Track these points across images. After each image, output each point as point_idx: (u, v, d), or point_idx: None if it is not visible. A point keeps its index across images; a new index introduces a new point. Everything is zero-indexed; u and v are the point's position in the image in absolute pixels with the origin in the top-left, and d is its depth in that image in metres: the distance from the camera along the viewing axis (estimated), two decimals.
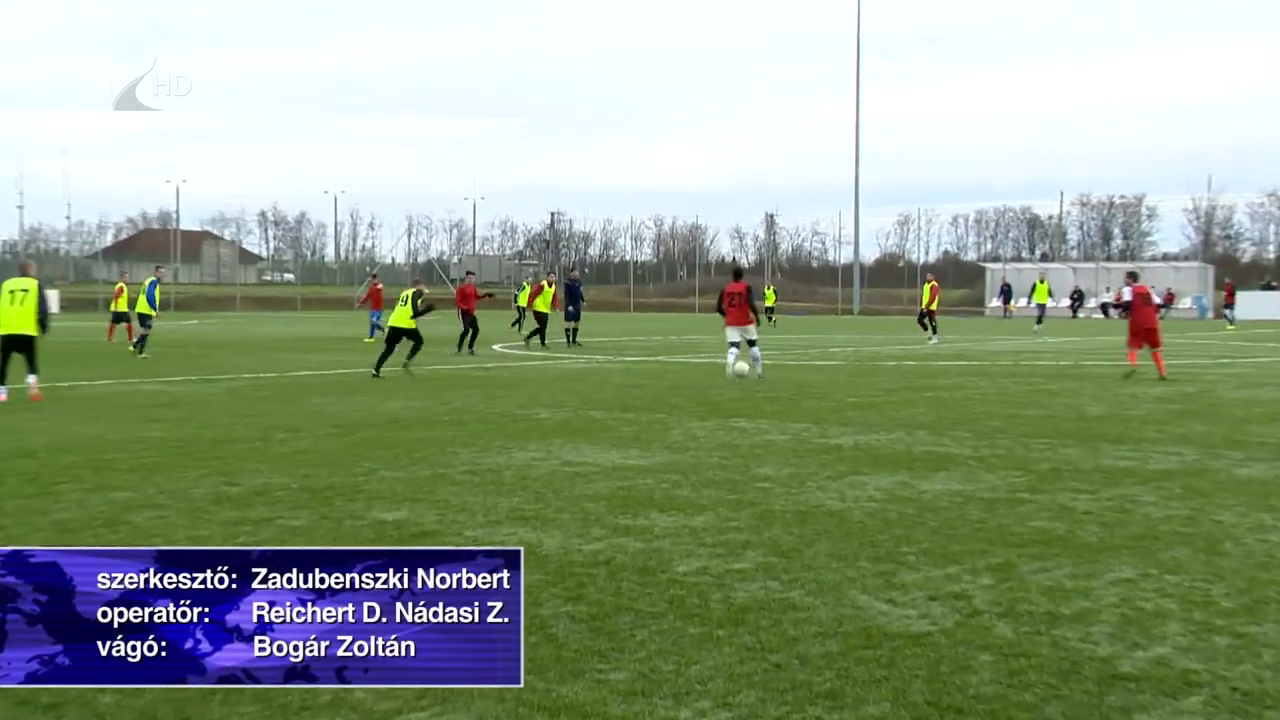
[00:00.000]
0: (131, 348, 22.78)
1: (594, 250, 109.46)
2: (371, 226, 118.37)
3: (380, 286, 30.85)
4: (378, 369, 17.57)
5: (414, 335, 18.28)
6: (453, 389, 15.62)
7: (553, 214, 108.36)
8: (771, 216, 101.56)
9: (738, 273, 18.69)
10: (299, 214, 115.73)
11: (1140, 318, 17.28)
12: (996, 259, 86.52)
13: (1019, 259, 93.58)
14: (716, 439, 10.48)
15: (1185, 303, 56.36)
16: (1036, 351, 25.14)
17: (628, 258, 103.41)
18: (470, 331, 24.47)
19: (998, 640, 4.84)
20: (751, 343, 17.79)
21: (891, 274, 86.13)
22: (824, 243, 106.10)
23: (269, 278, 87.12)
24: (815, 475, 8.50)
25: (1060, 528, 6.77)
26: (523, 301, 33.11)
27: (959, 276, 75.76)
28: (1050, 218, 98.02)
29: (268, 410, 12.79)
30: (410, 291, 18.94)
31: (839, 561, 5.98)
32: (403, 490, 7.89)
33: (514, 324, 34.39)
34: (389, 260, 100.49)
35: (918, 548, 6.28)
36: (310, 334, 29.13)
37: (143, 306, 22.44)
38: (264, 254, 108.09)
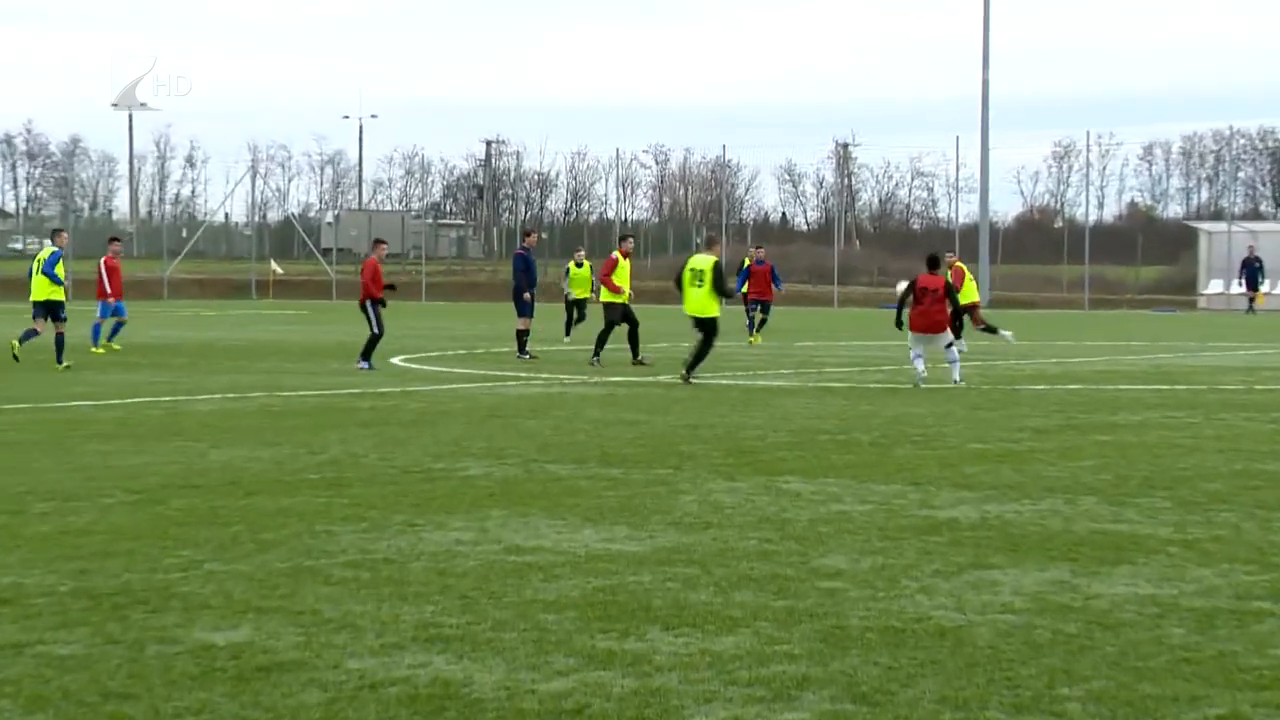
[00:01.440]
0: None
1: (557, 202, 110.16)
2: (191, 163, 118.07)
3: (117, 263, 29.44)
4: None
5: None
6: (326, 429, 15.66)
7: (489, 144, 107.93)
8: (845, 148, 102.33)
9: (934, 261, 22.06)
10: (68, 141, 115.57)
11: None
12: (1218, 215, 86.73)
13: (1256, 214, 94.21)
14: (754, 509, 10.48)
15: None
16: None
17: (611, 213, 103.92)
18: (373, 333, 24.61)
19: None
20: (948, 345, 21.35)
21: (1041, 240, 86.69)
22: (930, 190, 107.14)
23: (19, 245, 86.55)
24: (915, 569, 8.49)
25: None
26: (578, 287, 33.19)
27: (1153, 245, 76.13)
28: None
29: (21, 464, 12.80)
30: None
31: (955, 712, 5.91)
32: (244, 594, 7.85)
33: (573, 323, 33.69)
34: (222, 217, 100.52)
35: (1084, 690, 6.20)
36: (88, 335, 29.11)
37: (53, 291, 24.85)
38: (12, 207, 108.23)
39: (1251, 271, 57.86)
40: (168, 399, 19.12)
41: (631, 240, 28.87)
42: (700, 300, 21.98)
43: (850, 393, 20.29)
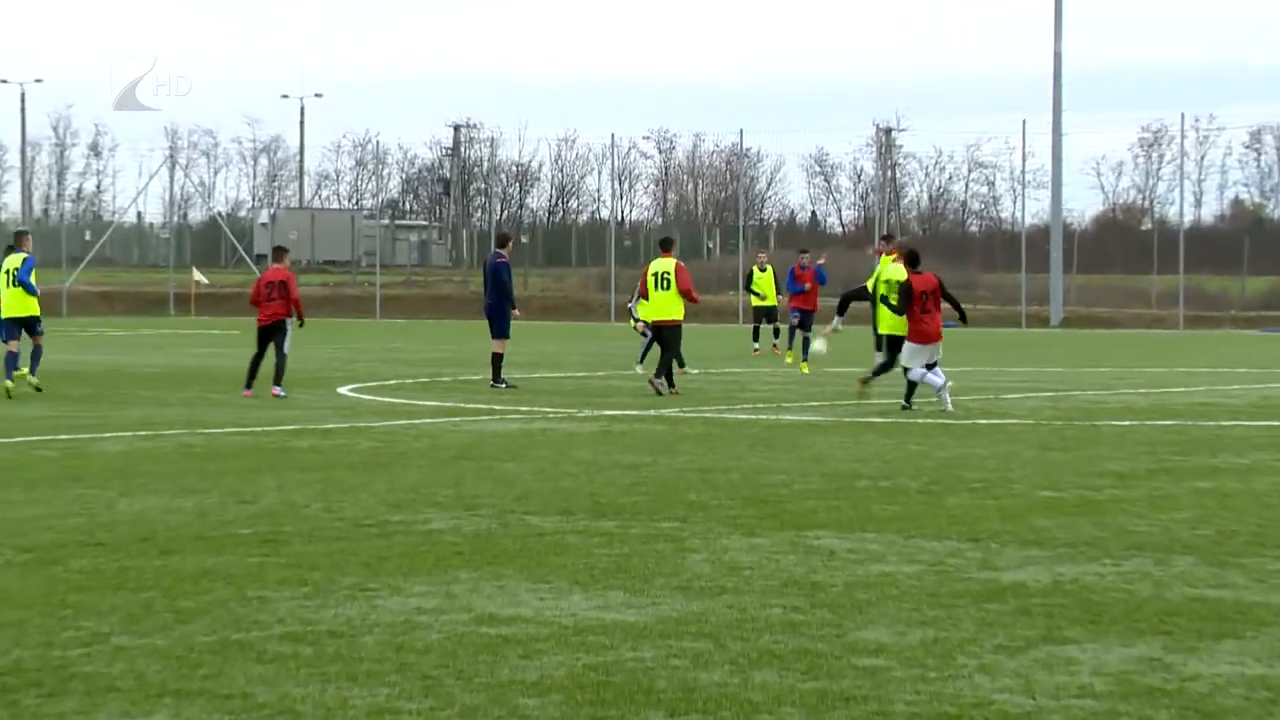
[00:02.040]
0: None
1: (539, 199, 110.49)
2: (96, 151, 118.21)
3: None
4: None
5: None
6: (260, 473, 15.69)
7: (457, 128, 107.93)
8: (888, 134, 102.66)
9: (915, 257, 23.32)
10: None
11: None
12: None
13: None
14: (779, 571, 10.51)
15: None
16: None
17: (605, 213, 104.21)
18: (277, 355, 25.26)
19: None
20: (930, 366, 22.79)
21: (1126, 245, 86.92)
22: (992, 184, 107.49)
23: None
24: (973, 644, 8.51)
25: None
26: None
27: (1262, 251, 76.34)
28: None
29: None
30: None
31: None
32: (159, 675, 7.86)
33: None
34: (134, 217, 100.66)
35: None
36: None
37: (29, 304, 25.90)
38: None
39: None
40: (65, 437, 19.13)
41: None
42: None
43: (895, 430, 20.32)
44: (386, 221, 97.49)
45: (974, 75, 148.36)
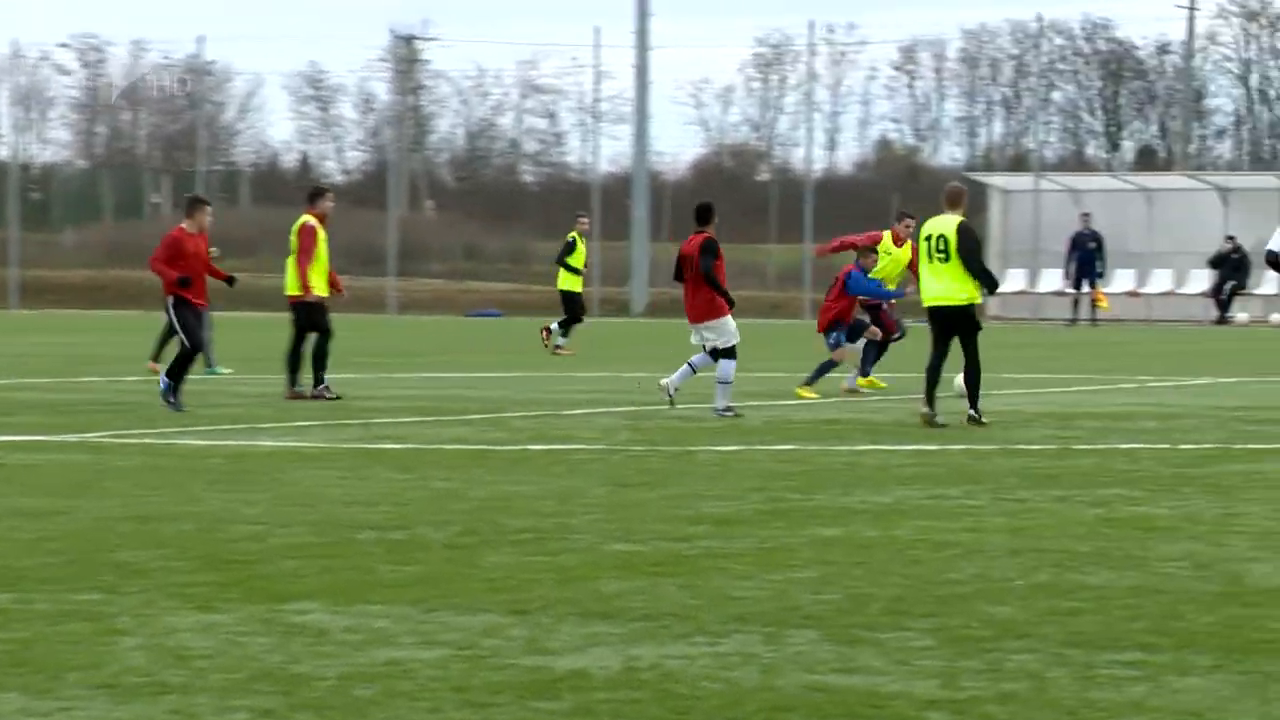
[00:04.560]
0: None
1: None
2: None
3: None
4: None
5: None
6: None
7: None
8: (409, 44, 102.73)
9: (702, 211, 26.05)
10: None
11: None
12: (1021, 162, 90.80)
13: (1080, 161, 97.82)
14: (246, 660, 10.49)
15: None
16: None
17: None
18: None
19: None
20: (717, 353, 25.11)
21: (738, 202, 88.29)
22: (554, 115, 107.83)
23: None
24: None
25: None
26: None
27: (917, 208, 78.04)
28: None
29: None
30: None
31: None
32: None
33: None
34: None
35: None
36: None
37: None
38: None
39: (1085, 256, 59.40)
40: None
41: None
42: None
43: (414, 460, 20.42)
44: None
45: None
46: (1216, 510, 16.75)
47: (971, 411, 24.30)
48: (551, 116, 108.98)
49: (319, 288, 28.87)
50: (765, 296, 70.67)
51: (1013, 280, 64.58)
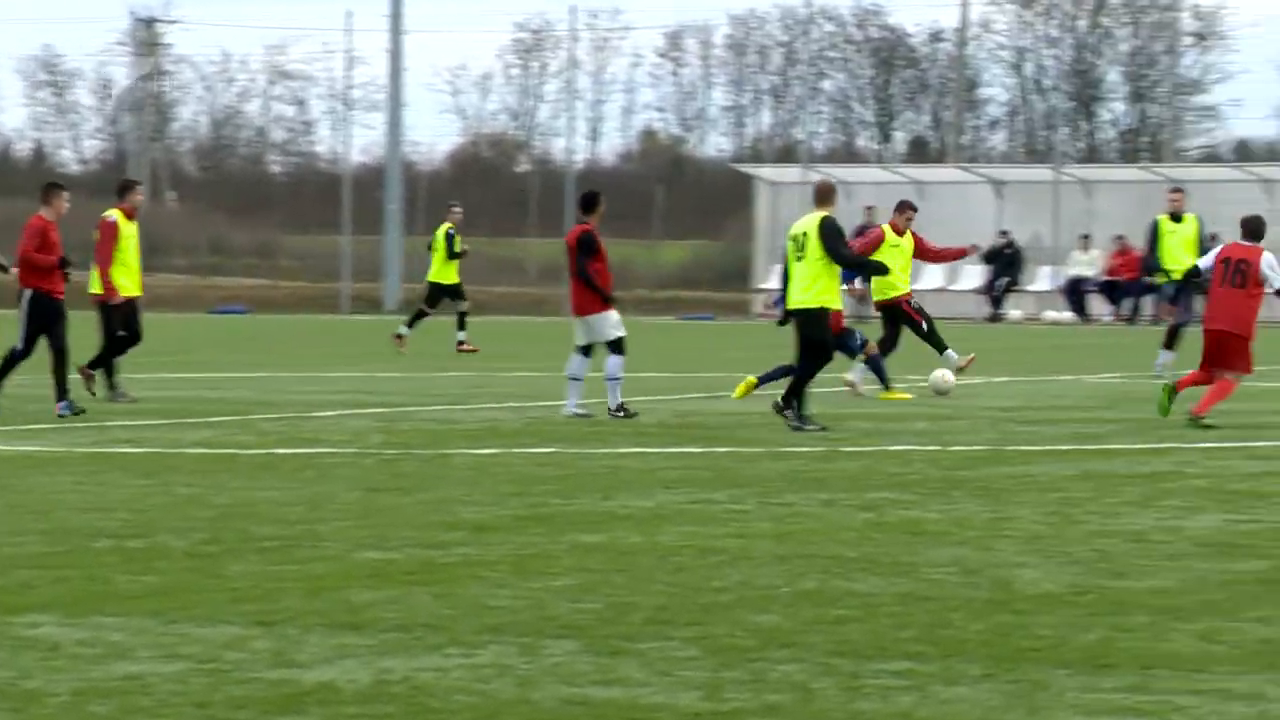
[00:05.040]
0: None
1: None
2: None
3: None
4: None
5: None
6: None
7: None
8: (149, 26, 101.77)
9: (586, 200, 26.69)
10: None
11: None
12: (790, 154, 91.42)
13: (850, 153, 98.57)
14: None
15: None
16: None
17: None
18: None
19: None
20: (614, 346, 25.68)
21: (496, 194, 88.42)
22: (303, 103, 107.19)
23: None
24: None
25: None
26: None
27: (682, 205, 78.50)
28: None
29: None
30: None
31: None
32: None
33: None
34: None
35: None
36: None
37: None
38: None
39: None
40: None
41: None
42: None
43: (155, 465, 20.30)
44: None
45: None
46: (986, 514, 17.00)
47: (787, 411, 24.46)
48: (301, 104, 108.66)
49: (127, 288, 28.55)
50: (525, 293, 70.64)
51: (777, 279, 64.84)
